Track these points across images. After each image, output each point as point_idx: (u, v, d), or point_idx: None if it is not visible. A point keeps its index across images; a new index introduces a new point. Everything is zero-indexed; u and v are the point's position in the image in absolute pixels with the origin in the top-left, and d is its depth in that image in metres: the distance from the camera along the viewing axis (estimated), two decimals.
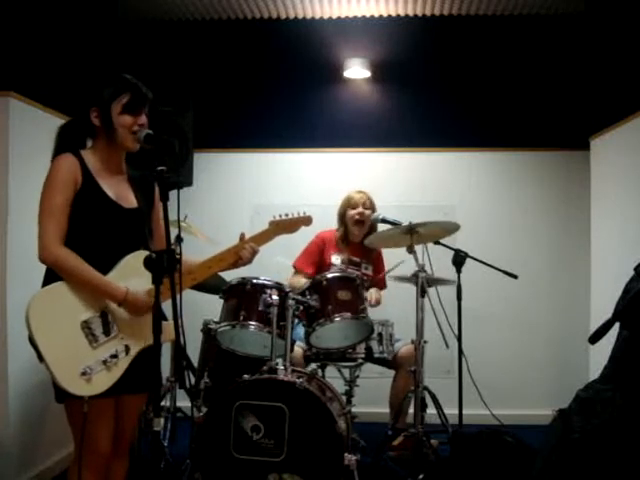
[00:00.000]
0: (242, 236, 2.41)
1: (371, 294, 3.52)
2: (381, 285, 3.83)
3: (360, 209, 3.70)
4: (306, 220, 2.61)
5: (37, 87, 3.18)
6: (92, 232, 2.07)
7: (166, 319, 2.08)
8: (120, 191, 2.17)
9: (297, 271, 3.76)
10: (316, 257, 3.78)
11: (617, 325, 2.16)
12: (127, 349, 2.06)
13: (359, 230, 3.72)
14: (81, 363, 1.96)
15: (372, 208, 3.74)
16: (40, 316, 1.94)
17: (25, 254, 2.87)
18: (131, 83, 2.14)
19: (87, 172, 2.08)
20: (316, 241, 3.78)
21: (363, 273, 3.64)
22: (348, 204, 3.75)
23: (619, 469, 1.93)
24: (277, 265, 3.91)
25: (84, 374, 1.96)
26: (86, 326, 2.00)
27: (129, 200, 2.19)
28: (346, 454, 2.57)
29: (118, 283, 2.06)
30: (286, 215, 2.54)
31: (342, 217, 3.77)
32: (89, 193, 2.07)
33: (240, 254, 2.34)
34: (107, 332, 2.04)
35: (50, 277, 2.05)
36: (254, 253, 2.38)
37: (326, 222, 3.82)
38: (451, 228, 3.43)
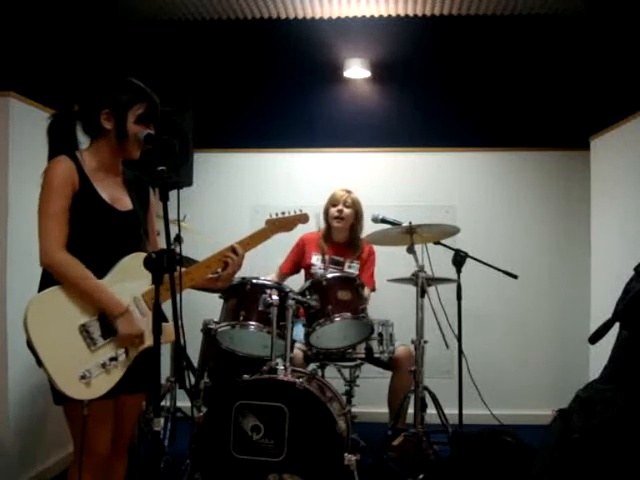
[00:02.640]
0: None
1: None
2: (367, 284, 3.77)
3: (340, 207, 3.72)
4: (303, 218, 2.62)
5: (37, 87, 3.18)
6: (88, 235, 2.06)
7: (166, 320, 2.08)
8: (115, 193, 2.16)
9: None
10: (295, 257, 3.83)
11: (617, 325, 2.15)
12: (126, 351, 2.06)
13: (339, 224, 3.71)
14: (80, 367, 1.95)
15: (354, 207, 3.73)
16: (38, 321, 1.93)
17: (25, 255, 2.87)
18: (147, 94, 2.14)
19: (83, 175, 2.07)
20: (297, 242, 3.83)
21: (346, 271, 3.65)
22: (330, 202, 3.77)
23: (619, 469, 1.93)
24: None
25: (83, 378, 1.95)
26: (84, 329, 1.99)
27: (124, 203, 2.18)
28: (346, 454, 2.57)
29: (115, 286, 2.05)
30: (282, 214, 2.55)
31: (325, 214, 3.79)
32: (85, 197, 2.06)
33: (226, 260, 2.29)
34: (105, 335, 2.03)
35: (46, 280, 2.03)
36: (239, 255, 2.32)
37: None
38: (451, 231, 3.43)
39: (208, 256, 2.31)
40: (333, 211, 3.73)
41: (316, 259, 3.76)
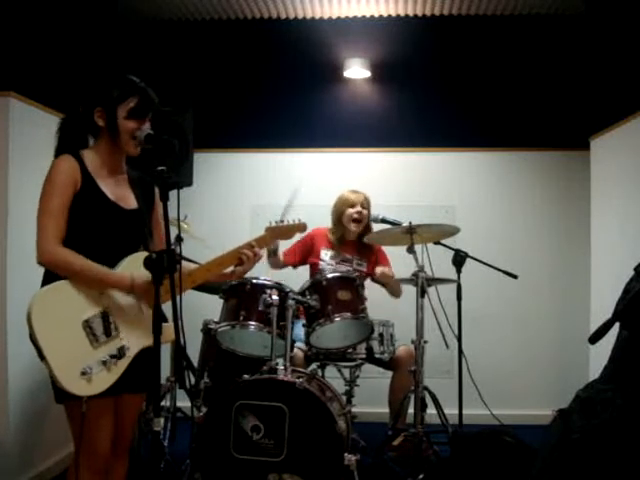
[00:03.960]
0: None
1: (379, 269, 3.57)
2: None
3: (358, 208, 3.71)
4: (301, 227, 2.63)
5: (37, 87, 3.18)
6: (92, 233, 2.06)
7: (166, 320, 2.08)
8: (119, 192, 2.16)
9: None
10: (302, 248, 3.80)
11: (617, 325, 2.15)
12: (127, 349, 2.06)
13: (357, 227, 3.72)
14: (82, 363, 1.96)
15: (368, 208, 3.75)
16: (42, 315, 1.94)
17: (25, 254, 2.86)
18: (139, 87, 2.13)
19: (86, 173, 2.07)
20: (305, 237, 3.79)
21: (355, 269, 3.66)
22: (346, 203, 3.74)
23: (619, 469, 1.93)
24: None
25: (84, 374, 1.95)
26: (87, 325, 2.00)
27: (128, 201, 2.18)
28: (346, 454, 2.57)
29: None
30: (281, 222, 2.56)
31: (339, 217, 3.75)
32: (88, 195, 2.06)
33: (241, 256, 2.32)
34: (107, 332, 2.03)
35: (49, 276, 2.04)
36: (256, 255, 2.35)
37: (326, 222, 3.83)
38: (451, 231, 3.43)
39: (217, 256, 2.31)
40: (351, 212, 3.71)
41: (325, 254, 3.75)
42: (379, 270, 3.59)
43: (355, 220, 3.71)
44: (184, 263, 2.07)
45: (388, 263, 3.82)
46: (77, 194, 2.05)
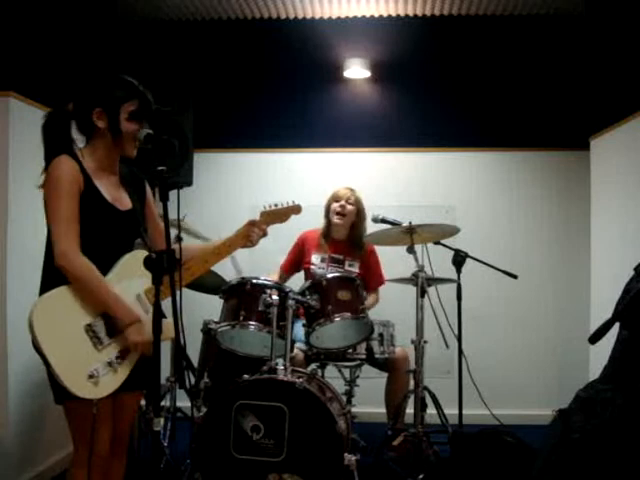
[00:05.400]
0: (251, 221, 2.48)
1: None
2: (374, 283, 3.80)
3: (342, 202, 3.73)
4: (296, 209, 2.62)
5: (37, 87, 3.18)
6: (91, 234, 2.06)
7: (166, 317, 2.08)
8: (115, 193, 2.16)
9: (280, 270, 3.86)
10: (295, 256, 3.84)
11: (617, 325, 2.15)
12: (129, 350, 2.06)
13: (340, 220, 3.72)
14: (88, 366, 1.96)
15: (356, 205, 3.74)
16: (44, 322, 1.93)
17: (25, 254, 2.88)
18: (139, 91, 2.14)
19: (86, 175, 2.07)
20: (297, 241, 3.84)
21: (347, 271, 3.66)
22: (333, 198, 3.78)
23: (619, 469, 1.93)
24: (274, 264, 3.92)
25: (91, 377, 1.96)
26: (90, 329, 2.00)
27: (124, 202, 2.18)
28: (346, 454, 2.57)
29: (118, 284, 2.05)
30: (275, 205, 2.56)
31: (327, 211, 3.79)
32: (89, 196, 2.06)
33: (250, 234, 2.42)
34: (111, 333, 2.04)
35: (48, 282, 2.03)
36: (263, 233, 2.45)
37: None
38: (451, 231, 3.43)
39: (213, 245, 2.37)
40: (335, 206, 3.73)
41: (316, 258, 3.76)
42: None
43: (338, 214, 3.72)
44: (186, 245, 2.09)
45: (379, 265, 3.82)
46: (81, 195, 2.04)
